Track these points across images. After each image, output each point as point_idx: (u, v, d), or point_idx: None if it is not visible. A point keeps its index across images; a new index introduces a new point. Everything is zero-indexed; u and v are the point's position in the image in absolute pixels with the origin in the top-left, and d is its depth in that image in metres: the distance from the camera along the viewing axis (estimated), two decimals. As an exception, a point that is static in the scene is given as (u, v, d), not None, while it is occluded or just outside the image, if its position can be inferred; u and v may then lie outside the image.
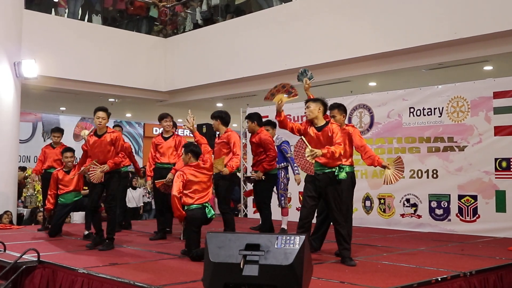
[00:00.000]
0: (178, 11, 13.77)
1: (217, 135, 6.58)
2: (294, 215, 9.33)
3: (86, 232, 7.15)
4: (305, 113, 5.38)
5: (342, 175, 5.13)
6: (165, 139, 7.24)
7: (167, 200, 6.50)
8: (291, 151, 7.45)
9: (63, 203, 7.24)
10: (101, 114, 6.21)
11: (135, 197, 11.93)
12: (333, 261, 5.28)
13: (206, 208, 5.53)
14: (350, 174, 5.57)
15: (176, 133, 7.55)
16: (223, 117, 6.44)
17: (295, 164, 7.30)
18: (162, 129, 7.38)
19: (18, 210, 10.31)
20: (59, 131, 8.27)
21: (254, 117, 6.91)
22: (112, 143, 6.23)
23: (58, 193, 7.26)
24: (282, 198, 7.61)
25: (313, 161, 5.06)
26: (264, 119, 10.18)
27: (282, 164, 7.52)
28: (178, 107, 14.10)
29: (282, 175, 7.53)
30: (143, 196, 11.99)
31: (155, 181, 6.89)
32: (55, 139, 8.13)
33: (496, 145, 7.38)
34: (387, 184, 5.63)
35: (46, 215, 7.62)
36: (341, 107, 5.84)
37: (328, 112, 5.53)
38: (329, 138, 5.12)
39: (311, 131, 5.22)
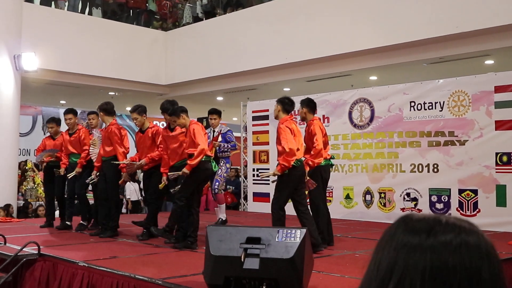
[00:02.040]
0: (177, 2, 13.73)
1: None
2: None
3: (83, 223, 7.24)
4: None
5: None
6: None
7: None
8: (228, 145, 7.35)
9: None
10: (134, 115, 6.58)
11: (136, 190, 11.95)
12: (334, 255, 5.28)
13: (212, 162, 5.85)
14: (323, 168, 5.82)
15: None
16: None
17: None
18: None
19: (18, 203, 10.32)
20: (53, 121, 7.84)
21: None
22: (152, 137, 6.47)
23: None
24: (217, 183, 7.21)
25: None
26: (264, 113, 10.28)
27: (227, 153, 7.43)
28: (179, 101, 14.04)
29: (223, 162, 7.30)
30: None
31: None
32: (49, 130, 7.85)
33: (497, 139, 7.36)
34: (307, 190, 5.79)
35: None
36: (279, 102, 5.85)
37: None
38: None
39: None
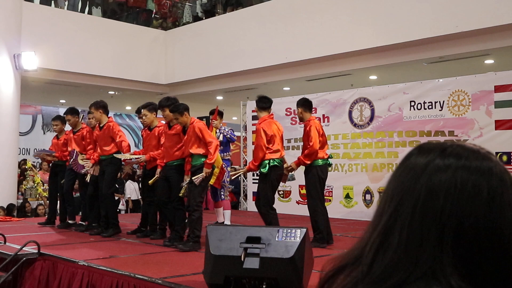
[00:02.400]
0: (177, 1, 13.73)
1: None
2: (295, 209, 9.38)
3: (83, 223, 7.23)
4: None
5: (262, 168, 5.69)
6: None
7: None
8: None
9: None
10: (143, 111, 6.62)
11: (136, 190, 11.94)
12: (334, 254, 5.28)
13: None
14: (321, 167, 5.88)
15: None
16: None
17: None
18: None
19: (17, 203, 10.32)
20: (58, 119, 7.77)
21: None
22: (158, 137, 6.44)
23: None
24: (223, 190, 7.11)
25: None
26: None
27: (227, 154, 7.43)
28: (178, 100, 14.07)
29: (223, 166, 7.07)
30: None
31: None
32: (54, 128, 7.82)
33: (496, 139, 7.36)
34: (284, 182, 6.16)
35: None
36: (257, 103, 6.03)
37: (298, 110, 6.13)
38: None
39: None
